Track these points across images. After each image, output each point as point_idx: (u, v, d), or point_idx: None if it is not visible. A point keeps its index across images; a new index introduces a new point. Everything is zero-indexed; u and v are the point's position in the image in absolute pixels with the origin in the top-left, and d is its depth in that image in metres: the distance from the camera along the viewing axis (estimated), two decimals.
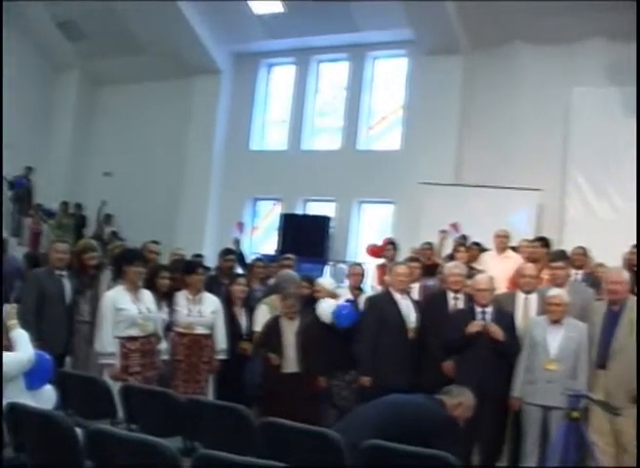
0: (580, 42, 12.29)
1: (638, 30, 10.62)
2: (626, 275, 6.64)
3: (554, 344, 6.34)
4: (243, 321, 7.76)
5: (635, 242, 8.72)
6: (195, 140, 15.85)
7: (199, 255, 10.31)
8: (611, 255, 8.72)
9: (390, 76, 14.88)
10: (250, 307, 7.88)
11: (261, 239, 15.68)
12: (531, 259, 8.17)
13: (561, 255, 7.77)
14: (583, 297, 6.97)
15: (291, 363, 7.11)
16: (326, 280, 8.49)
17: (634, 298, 6.53)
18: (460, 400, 5.26)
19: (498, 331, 6.44)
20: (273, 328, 7.26)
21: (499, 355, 6.48)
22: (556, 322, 6.38)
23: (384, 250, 10.30)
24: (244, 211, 15.58)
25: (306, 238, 13.48)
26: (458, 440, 4.99)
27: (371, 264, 10.38)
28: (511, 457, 6.73)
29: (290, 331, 7.20)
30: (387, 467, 4.03)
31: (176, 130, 15.90)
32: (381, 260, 10.26)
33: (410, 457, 4.03)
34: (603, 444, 6.22)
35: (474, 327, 6.51)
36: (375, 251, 11.03)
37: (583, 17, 11.77)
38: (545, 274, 7.54)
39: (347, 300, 7.66)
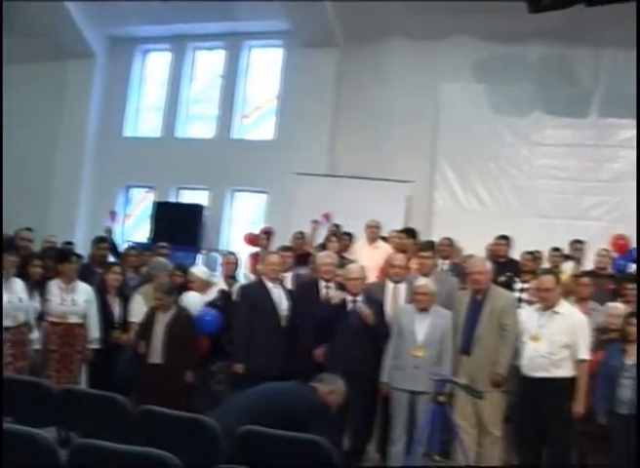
0: (450, 40, 12.66)
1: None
2: (489, 265, 6.97)
3: (421, 331, 6.58)
4: (116, 310, 7.72)
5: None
6: (68, 125, 15.40)
7: (69, 243, 10.12)
8: (476, 247, 9.12)
9: (266, 66, 14.90)
10: (124, 296, 7.85)
11: (134, 227, 15.43)
12: (400, 250, 8.43)
13: (429, 246, 8.04)
14: (449, 286, 7.25)
15: (156, 353, 7.10)
16: (200, 268, 8.51)
17: (496, 288, 6.87)
18: (332, 387, 5.41)
19: (368, 314, 6.64)
20: (150, 317, 7.26)
21: (369, 339, 6.68)
22: (423, 310, 6.63)
23: (260, 238, 10.42)
24: (116, 198, 15.34)
25: (179, 226, 13.38)
26: (331, 425, 5.15)
27: (244, 253, 10.46)
28: (380, 441, 6.98)
29: (161, 321, 7.19)
30: (263, 452, 4.14)
31: (48, 114, 15.38)
32: (255, 249, 10.37)
33: (284, 442, 4.15)
34: (467, 426, 6.50)
35: (337, 297, 6.70)
36: (252, 239, 11.12)
37: (454, 15, 12.14)
38: (414, 264, 7.79)
39: (214, 302, 7.70)
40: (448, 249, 8.96)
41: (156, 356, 7.09)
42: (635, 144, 11.85)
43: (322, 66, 13.48)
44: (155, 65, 15.85)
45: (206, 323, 7.36)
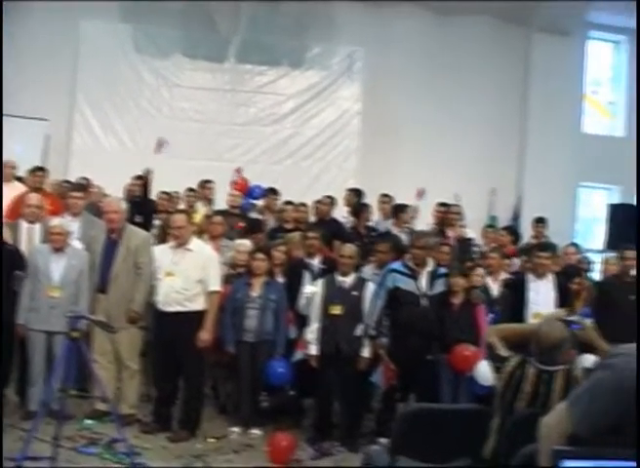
0: None
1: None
2: (124, 205, 7.10)
3: (57, 272, 6.59)
4: None
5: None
6: None
7: None
8: (114, 186, 9.16)
9: None
10: None
11: None
12: (35, 189, 8.23)
13: (81, 186, 7.98)
14: (96, 227, 7.22)
15: None
16: None
17: (131, 227, 6.99)
18: None
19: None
20: None
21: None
22: (58, 250, 6.62)
23: None
24: None
25: None
26: None
27: None
28: (19, 383, 6.91)
29: None
30: None
31: None
32: None
33: None
34: (105, 361, 6.71)
35: None
36: None
37: None
38: (47, 204, 7.67)
39: None
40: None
41: None
42: (270, 90, 12.62)
43: None
44: None
45: None
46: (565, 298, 7.15)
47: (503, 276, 7.60)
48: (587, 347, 4.49)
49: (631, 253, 7.86)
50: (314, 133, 12.86)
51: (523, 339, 4.48)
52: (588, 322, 4.83)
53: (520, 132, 13.73)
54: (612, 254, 8.97)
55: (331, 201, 9.30)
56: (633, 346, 2.78)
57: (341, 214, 9.55)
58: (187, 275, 6.58)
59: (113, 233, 6.77)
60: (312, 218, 9.07)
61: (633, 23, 13.99)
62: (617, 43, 14.98)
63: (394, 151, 12.79)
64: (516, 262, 8.52)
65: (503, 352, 4.26)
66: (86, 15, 12.37)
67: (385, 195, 9.58)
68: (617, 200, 13.91)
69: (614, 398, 2.61)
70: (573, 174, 13.72)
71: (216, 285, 6.66)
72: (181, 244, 6.65)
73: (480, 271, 7.04)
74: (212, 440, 6.56)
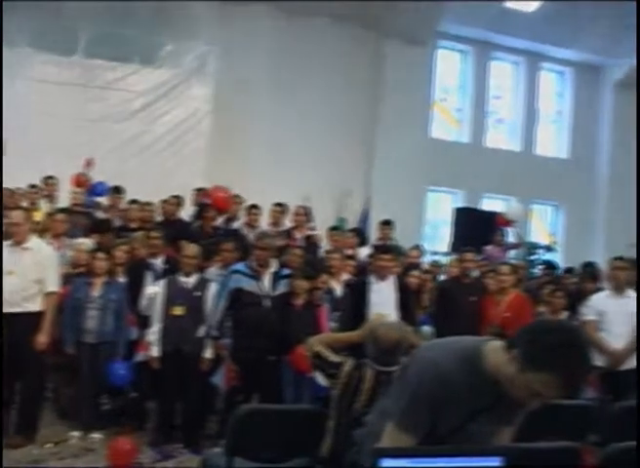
0: None
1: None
2: None
3: None
4: None
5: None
6: None
7: None
8: None
9: None
10: None
11: None
12: None
13: None
14: None
15: None
16: None
17: None
18: None
19: None
20: None
21: None
22: None
23: None
24: None
25: None
26: None
27: None
28: None
29: None
30: None
31: None
32: None
33: None
34: None
35: None
36: None
37: None
38: None
39: None
40: None
41: None
42: (121, 86, 12.36)
43: None
44: None
45: None
46: (406, 299, 7.30)
47: (346, 277, 7.72)
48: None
49: (470, 256, 8.17)
50: (164, 131, 12.69)
51: (347, 345, 4.59)
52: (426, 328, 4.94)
53: (370, 135, 14.03)
54: (454, 257, 9.26)
55: (177, 201, 9.23)
56: (446, 340, 2.84)
57: (189, 213, 9.48)
58: (25, 274, 6.35)
59: None
60: (159, 218, 8.96)
61: (480, 34, 14.73)
62: (463, 52, 15.54)
63: (244, 152, 12.87)
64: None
65: (334, 358, 4.31)
66: None
67: (236, 195, 9.57)
68: (461, 204, 14.39)
69: (426, 388, 2.64)
70: (421, 177, 14.14)
71: (54, 285, 6.46)
72: (19, 242, 6.41)
73: (324, 277, 7.13)
74: (50, 445, 6.38)
